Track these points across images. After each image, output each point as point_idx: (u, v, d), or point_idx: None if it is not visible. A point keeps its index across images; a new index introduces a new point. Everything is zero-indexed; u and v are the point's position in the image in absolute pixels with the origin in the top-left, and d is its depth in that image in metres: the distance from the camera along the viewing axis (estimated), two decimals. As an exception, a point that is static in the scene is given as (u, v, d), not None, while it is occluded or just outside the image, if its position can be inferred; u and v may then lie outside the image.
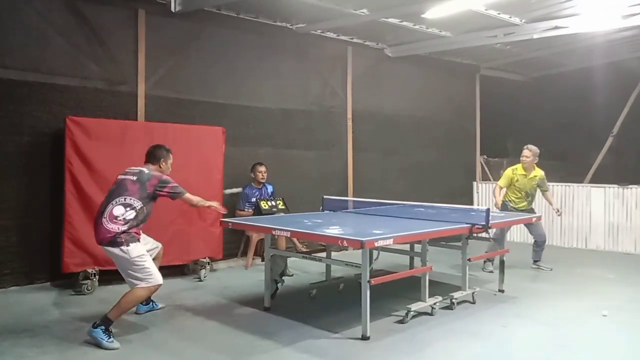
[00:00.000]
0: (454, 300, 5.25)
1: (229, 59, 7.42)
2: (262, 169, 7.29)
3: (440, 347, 4.25)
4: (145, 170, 4.67)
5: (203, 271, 6.46)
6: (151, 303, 5.07)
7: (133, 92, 6.60)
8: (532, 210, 7.12)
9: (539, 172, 7.09)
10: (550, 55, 9.79)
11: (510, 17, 7.40)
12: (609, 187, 8.87)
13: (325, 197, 6.55)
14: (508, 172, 7.18)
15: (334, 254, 6.29)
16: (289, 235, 4.91)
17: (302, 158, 8.25)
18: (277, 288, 5.36)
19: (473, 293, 5.48)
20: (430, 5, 6.54)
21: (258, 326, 4.69)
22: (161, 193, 4.62)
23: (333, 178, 8.60)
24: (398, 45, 8.99)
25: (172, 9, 6.64)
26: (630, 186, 8.70)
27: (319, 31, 8.16)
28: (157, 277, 4.42)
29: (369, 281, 4.31)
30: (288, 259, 5.61)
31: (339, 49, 8.65)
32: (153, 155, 4.86)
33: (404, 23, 7.72)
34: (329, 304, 5.37)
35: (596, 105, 10.17)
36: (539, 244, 7.20)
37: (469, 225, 5.05)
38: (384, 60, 9.25)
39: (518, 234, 9.63)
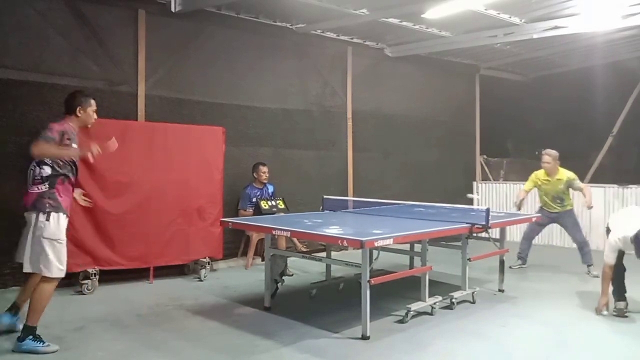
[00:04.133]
0: (454, 300, 5.25)
1: (229, 59, 7.42)
2: (265, 169, 7.30)
3: (440, 347, 4.25)
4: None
5: (203, 271, 6.46)
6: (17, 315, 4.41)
7: (133, 92, 6.60)
8: (570, 212, 7.09)
9: (565, 175, 6.99)
10: (550, 55, 9.79)
11: (510, 17, 7.40)
12: (609, 187, 8.86)
13: (325, 197, 6.55)
14: (532, 176, 7.26)
15: (334, 254, 6.29)
16: (289, 235, 4.91)
17: (302, 158, 8.25)
18: (277, 288, 5.36)
19: (473, 293, 5.48)
20: (430, 5, 6.55)
21: (258, 326, 4.69)
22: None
23: (333, 178, 8.60)
24: (398, 45, 8.99)
25: (172, 9, 6.65)
26: (630, 186, 8.69)
27: (319, 31, 8.16)
28: (61, 271, 4.07)
29: (369, 281, 4.31)
30: (288, 259, 5.60)
31: (339, 49, 8.65)
32: (68, 105, 4.32)
33: (404, 23, 7.73)
34: (329, 304, 5.37)
35: (596, 105, 10.16)
36: (578, 248, 7.09)
37: (469, 225, 5.05)
38: (384, 60, 9.25)
39: (518, 234, 9.63)
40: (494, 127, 10.95)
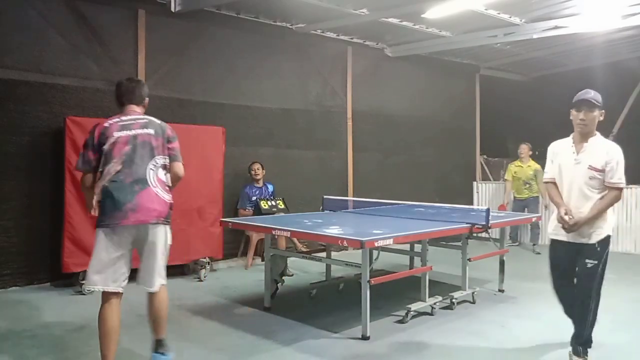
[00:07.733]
0: (454, 300, 5.25)
1: (229, 59, 7.42)
2: (255, 166, 7.30)
3: (440, 347, 4.26)
4: (151, 118, 3.62)
5: (203, 271, 6.46)
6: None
7: (133, 92, 6.59)
8: None
9: None
10: (550, 55, 9.79)
11: (510, 17, 7.40)
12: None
13: (325, 197, 6.55)
14: None
15: (334, 254, 6.29)
16: (289, 235, 4.91)
17: (302, 158, 8.25)
18: (277, 288, 5.36)
19: (473, 293, 5.48)
20: (430, 5, 6.55)
21: (258, 326, 4.69)
22: (168, 147, 3.54)
23: (333, 178, 8.60)
24: (398, 45, 8.99)
25: (172, 9, 6.64)
26: (630, 186, 8.68)
27: (319, 31, 8.16)
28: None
29: (369, 281, 4.32)
30: (288, 259, 5.61)
31: (339, 49, 8.65)
32: (139, 94, 3.65)
33: (404, 23, 7.73)
34: (329, 304, 5.37)
35: (596, 105, 10.15)
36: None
37: (469, 225, 5.05)
38: (384, 60, 9.25)
39: (518, 234, 9.62)
40: (494, 127, 10.95)
